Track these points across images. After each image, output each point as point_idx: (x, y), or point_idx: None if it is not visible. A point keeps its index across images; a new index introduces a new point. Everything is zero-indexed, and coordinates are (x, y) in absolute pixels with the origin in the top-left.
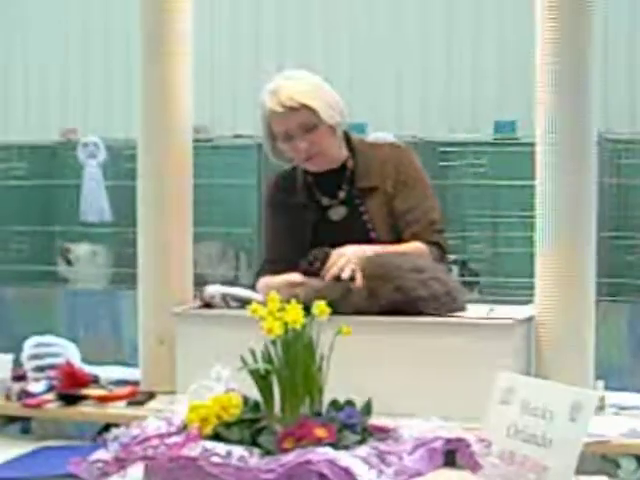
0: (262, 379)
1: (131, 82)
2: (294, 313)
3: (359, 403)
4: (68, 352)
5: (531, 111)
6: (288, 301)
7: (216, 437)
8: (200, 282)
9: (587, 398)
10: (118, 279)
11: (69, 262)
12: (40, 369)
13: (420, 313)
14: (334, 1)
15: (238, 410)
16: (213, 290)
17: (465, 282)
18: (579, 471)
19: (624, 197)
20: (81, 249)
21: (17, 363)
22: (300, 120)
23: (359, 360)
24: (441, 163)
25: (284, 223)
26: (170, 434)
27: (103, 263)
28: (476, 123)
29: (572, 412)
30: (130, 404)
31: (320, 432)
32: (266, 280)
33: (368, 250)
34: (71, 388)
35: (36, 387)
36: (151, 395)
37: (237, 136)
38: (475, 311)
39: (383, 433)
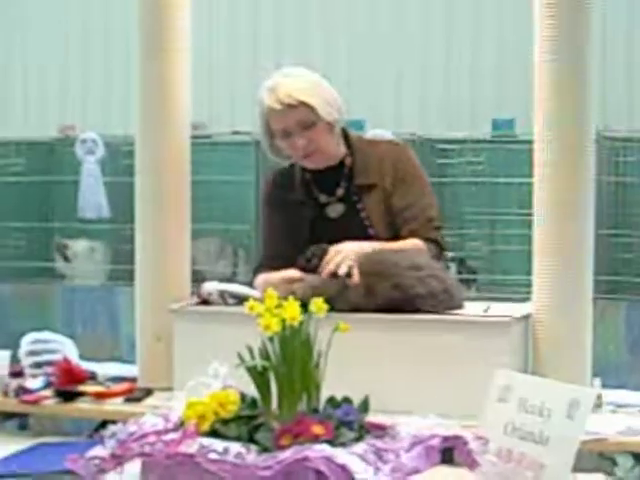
0: (259, 376)
1: (129, 79)
2: (291, 310)
3: (356, 400)
4: (65, 348)
5: (529, 109)
6: (285, 298)
7: (213, 434)
8: (198, 279)
9: (584, 396)
10: (116, 275)
11: (67, 258)
12: (37, 365)
13: (418, 310)
14: None
15: (235, 407)
16: (211, 287)
17: (463, 279)
18: (576, 469)
19: (622, 195)
20: (79, 245)
21: (14, 359)
22: (298, 117)
23: (356, 357)
24: (439, 160)
25: (282, 220)
26: (167, 431)
27: (101, 259)
28: (474, 121)
29: (569, 410)
30: (127, 401)
31: (317, 429)
32: (264, 277)
33: (366, 247)
34: (68, 384)
35: (33, 383)
36: (148, 392)
37: (235, 133)
38: (473, 309)
39: (380, 430)
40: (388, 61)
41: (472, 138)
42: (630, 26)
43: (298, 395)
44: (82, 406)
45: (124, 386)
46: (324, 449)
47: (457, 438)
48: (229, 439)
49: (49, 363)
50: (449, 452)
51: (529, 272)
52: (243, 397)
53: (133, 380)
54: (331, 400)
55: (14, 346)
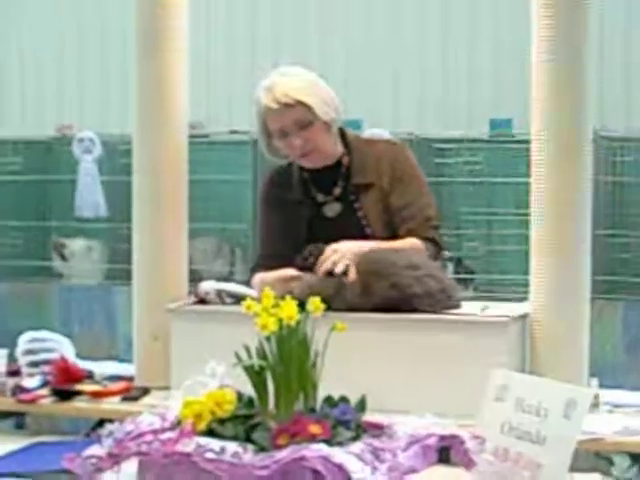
0: (256, 375)
1: (127, 78)
2: (288, 309)
3: (353, 400)
4: (62, 347)
5: (527, 108)
6: (283, 297)
7: (210, 433)
8: (195, 278)
9: (581, 396)
10: (113, 274)
11: (64, 257)
12: (34, 364)
13: (415, 310)
14: None
15: (232, 406)
16: (208, 286)
17: (460, 279)
18: (573, 468)
19: (619, 195)
20: (76, 244)
21: (11, 358)
22: (295, 117)
23: (354, 357)
24: (437, 160)
25: (279, 219)
26: (164, 430)
27: (98, 258)
28: (472, 120)
29: (566, 409)
30: (124, 400)
31: (314, 428)
32: (261, 276)
33: (363, 246)
34: (65, 383)
35: (30, 382)
36: (145, 391)
37: (233, 132)
38: (470, 308)
39: (377, 430)
40: (385, 61)
41: (469, 138)
42: (627, 26)
43: (295, 394)
44: (79, 405)
45: (121, 385)
46: (321, 448)
47: (454, 437)
48: (226, 438)
49: (46, 362)
50: (446, 451)
51: (526, 272)
52: (240, 396)
53: (130, 379)
54: (328, 399)
55: (11, 345)
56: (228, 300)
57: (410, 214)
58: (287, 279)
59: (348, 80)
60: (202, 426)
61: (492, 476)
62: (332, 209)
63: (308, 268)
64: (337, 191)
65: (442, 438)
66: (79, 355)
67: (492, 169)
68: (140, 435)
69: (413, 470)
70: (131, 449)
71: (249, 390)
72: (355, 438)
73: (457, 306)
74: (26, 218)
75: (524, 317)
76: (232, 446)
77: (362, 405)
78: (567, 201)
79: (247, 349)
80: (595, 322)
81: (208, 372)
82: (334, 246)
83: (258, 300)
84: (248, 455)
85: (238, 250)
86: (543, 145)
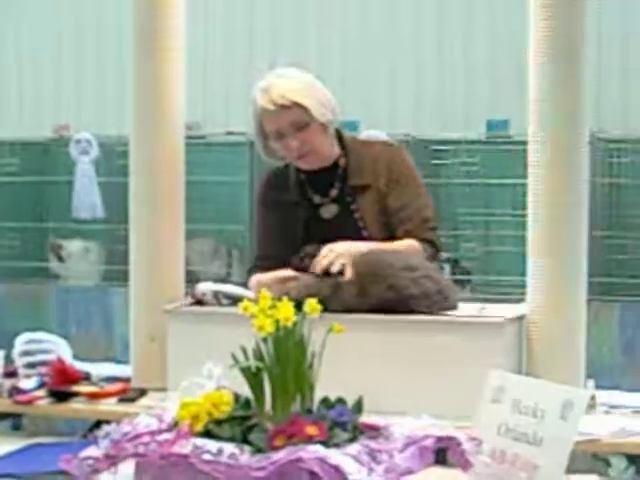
0: (253, 376)
1: (124, 78)
2: (285, 310)
3: (350, 401)
4: (59, 349)
5: (523, 110)
6: (279, 298)
7: (207, 434)
8: (192, 279)
9: (578, 397)
10: (110, 276)
11: (61, 258)
12: (31, 366)
13: (412, 311)
14: None
15: (229, 407)
16: (205, 287)
17: (457, 280)
18: (570, 470)
19: (616, 196)
20: (73, 245)
21: (8, 359)
22: (292, 118)
23: (350, 358)
24: (434, 161)
25: (276, 221)
26: (161, 431)
27: (95, 260)
28: (469, 121)
29: (563, 411)
30: (121, 401)
31: (311, 430)
32: (258, 277)
33: (360, 246)
34: (62, 385)
35: (27, 384)
36: (142, 392)
37: (229, 133)
38: (467, 309)
39: (374, 431)
40: (382, 62)
41: (466, 139)
42: (625, 28)
43: (292, 396)
44: (76, 406)
45: (118, 386)
46: (318, 450)
47: (451, 439)
48: (223, 440)
49: (43, 363)
50: (443, 453)
51: (523, 273)
52: (237, 398)
53: (127, 380)
54: (325, 401)
55: (8, 346)
56: (225, 301)
57: (407, 215)
58: (284, 280)
59: (345, 81)
60: (199, 427)
61: (489, 477)
62: (329, 211)
63: (305, 269)
64: (334, 193)
65: (439, 439)
66: (76, 356)
67: (489, 170)
68: (137, 436)
69: (410, 471)
70: (128, 450)
71: (246, 391)
72: (352, 439)
73: (454, 307)
74: (23, 219)
75: (521, 318)
76: (229, 447)
77: (359, 406)
78: (564, 202)
79: (244, 350)
80: (592, 323)
81: (205, 373)
82: (330, 246)
83: (255, 301)
84: (245, 456)
85: (235, 251)
86: (540, 146)
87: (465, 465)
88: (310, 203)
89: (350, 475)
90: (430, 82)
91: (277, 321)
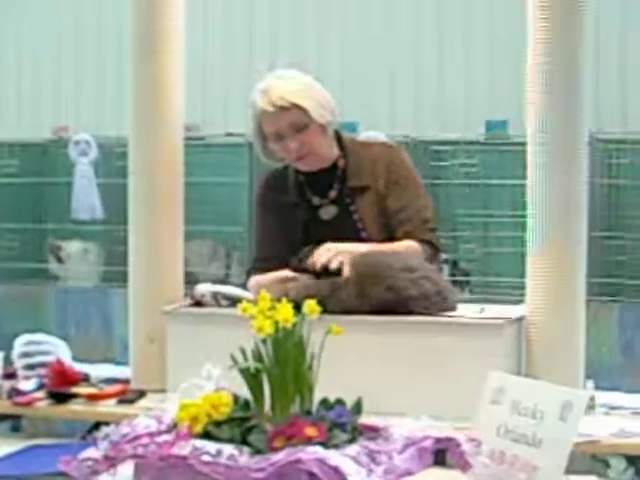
0: (252, 378)
1: (123, 80)
2: (284, 312)
3: (349, 402)
4: (59, 350)
5: (522, 111)
6: (279, 299)
7: (206, 436)
8: (191, 280)
9: (577, 398)
10: (109, 277)
11: (60, 260)
12: (30, 367)
13: (411, 312)
14: (327, 0)
15: (228, 409)
16: (204, 288)
17: (456, 282)
18: (569, 471)
19: (615, 197)
20: (72, 247)
21: (7, 361)
22: (291, 120)
23: (349, 359)
24: (433, 162)
25: (275, 222)
26: (160, 432)
27: (94, 261)
28: (468, 122)
29: (562, 412)
30: (120, 402)
31: (310, 431)
32: (257, 278)
33: (360, 247)
34: (61, 386)
35: (26, 385)
36: (141, 393)
37: (228, 134)
38: (466, 311)
39: (373, 432)
40: (381, 63)
41: (465, 140)
42: (623, 29)
43: (291, 397)
44: (75, 408)
45: (117, 388)
46: (317, 451)
47: (450, 440)
48: (222, 441)
49: (42, 365)
50: (442, 454)
51: (522, 274)
52: (236, 399)
53: (126, 382)
54: (324, 402)
55: (7, 348)
56: (224, 302)
57: (407, 217)
58: (283, 281)
59: (344, 83)
60: (198, 429)
61: (488, 479)
62: (328, 212)
63: (304, 270)
64: (333, 194)
65: (438, 441)
66: (75, 358)
67: (488, 171)
68: (136, 438)
69: (409, 472)
70: (127, 452)
71: (245, 393)
72: (351, 441)
73: (453, 308)
74: (22, 220)
75: (520, 319)
76: (228, 449)
77: (358, 407)
78: (563, 203)
79: (243, 351)
80: (591, 324)
81: (204, 375)
82: (328, 245)
83: (254, 302)
84: (244, 458)
85: (234, 252)
86: (539, 147)
87: (464, 466)
88: (309, 204)
89: (349, 476)
90: (429, 83)
91: (276, 322)
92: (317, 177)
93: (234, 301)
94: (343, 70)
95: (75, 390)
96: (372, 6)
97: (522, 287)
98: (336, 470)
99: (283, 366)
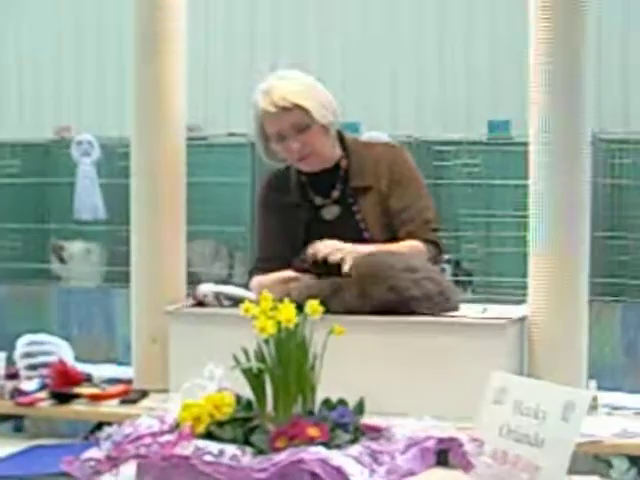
0: (255, 378)
1: (125, 80)
2: (287, 312)
3: (352, 402)
4: (61, 350)
5: (525, 111)
6: (281, 299)
7: (209, 436)
8: (193, 281)
9: (580, 398)
10: (111, 277)
11: (62, 260)
12: (33, 367)
13: (413, 313)
14: (329, 0)
15: (231, 409)
16: (206, 289)
17: (458, 282)
18: (571, 471)
19: (618, 197)
20: (75, 247)
21: (10, 361)
22: (293, 120)
23: (352, 359)
24: (435, 162)
25: (277, 222)
26: (163, 433)
27: (97, 261)
28: (470, 123)
29: (565, 412)
30: (123, 402)
31: (312, 431)
32: (259, 278)
33: (361, 249)
34: (64, 386)
35: (29, 385)
36: (144, 394)
37: (231, 134)
38: (468, 311)
39: (375, 432)
40: (383, 63)
41: (468, 140)
42: (625, 29)
43: (293, 397)
44: (77, 408)
45: (119, 388)
46: (319, 451)
47: (452, 440)
48: (224, 441)
49: (44, 365)
50: (444, 454)
51: (525, 274)
52: (238, 399)
53: (128, 382)
54: (326, 402)
55: (9, 348)
56: (226, 303)
57: (409, 217)
58: (285, 281)
59: (346, 83)
60: (201, 429)
61: (490, 479)
62: (330, 212)
63: (306, 271)
64: (335, 194)
65: (440, 441)
66: (78, 358)
67: (490, 171)
68: (139, 438)
69: (411, 473)
70: (130, 452)
71: (247, 393)
72: (353, 441)
73: (455, 309)
74: (25, 221)
75: (522, 319)
76: (230, 449)
77: (360, 408)
78: (565, 203)
79: (245, 352)
80: (593, 324)
81: (206, 375)
82: (331, 241)
83: (256, 303)
84: (246, 458)
85: (236, 253)
86: (541, 147)
87: (467, 466)
88: (311, 205)
89: (352, 476)
90: (431, 83)
91: (279, 322)
92: (319, 177)
93: (236, 301)
94: (345, 70)
95: (77, 390)
96: (374, 6)
97: (524, 287)
98: (338, 470)
99: (285, 366)
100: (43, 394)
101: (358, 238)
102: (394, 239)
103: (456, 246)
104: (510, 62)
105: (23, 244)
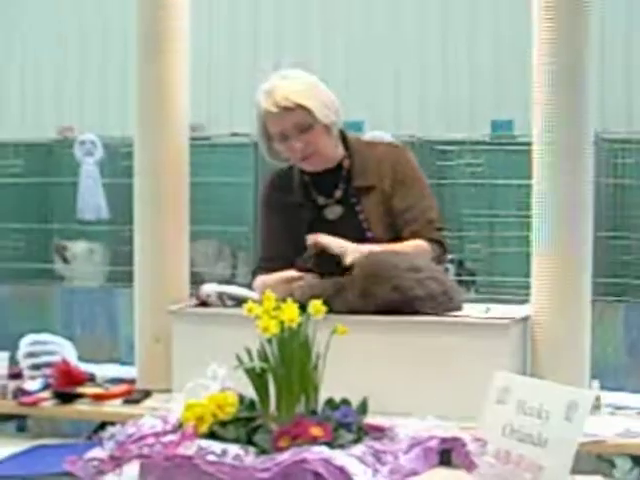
0: (258, 378)
1: (128, 79)
2: (290, 312)
3: (355, 402)
4: (64, 350)
5: (528, 111)
6: (284, 299)
7: (212, 436)
8: (197, 280)
9: (583, 398)
10: (114, 277)
11: (66, 260)
12: (36, 367)
13: (416, 312)
14: (332, 0)
15: (234, 409)
16: (209, 288)
17: (461, 281)
18: (574, 471)
19: (621, 197)
20: (78, 247)
21: (13, 361)
22: (295, 120)
23: (355, 359)
24: (438, 162)
25: (280, 222)
26: (166, 432)
27: (100, 261)
28: (473, 122)
29: (568, 412)
30: (126, 402)
31: (316, 431)
32: (262, 278)
33: (364, 249)
34: (67, 386)
35: (32, 385)
36: (147, 393)
37: (234, 134)
38: (471, 310)
39: (379, 432)
40: (386, 63)
41: (471, 140)
42: (629, 29)
43: (296, 397)
44: (81, 408)
45: (123, 388)
46: (322, 451)
47: (455, 440)
48: (227, 441)
49: (48, 365)
50: (447, 454)
51: (528, 274)
52: (241, 399)
53: (132, 382)
54: (329, 402)
55: (13, 348)
56: (229, 302)
57: (412, 216)
58: (288, 280)
59: (350, 82)
60: (204, 429)
61: (493, 478)
62: (333, 212)
63: (309, 270)
64: (338, 194)
65: (443, 440)
66: (81, 358)
67: (494, 171)
68: (142, 438)
69: (414, 472)
70: (133, 452)
71: (250, 392)
72: (356, 441)
73: (459, 308)
74: (28, 221)
75: (525, 319)
76: (233, 449)
77: (363, 407)
78: (568, 203)
79: (248, 351)
80: (596, 324)
81: (209, 374)
82: (330, 238)
83: (259, 302)
84: (249, 458)
85: (239, 252)
86: (544, 147)
87: (470, 466)
88: (314, 204)
89: (355, 476)
90: (435, 83)
91: (282, 322)
92: (322, 177)
93: (239, 301)
94: (348, 70)
95: (81, 390)
96: (377, 6)
97: (528, 287)
98: (342, 470)
99: (288, 366)
100: (46, 394)
101: (361, 238)
102: (397, 239)
103: (459, 246)
104: (513, 62)
105: (26, 244)
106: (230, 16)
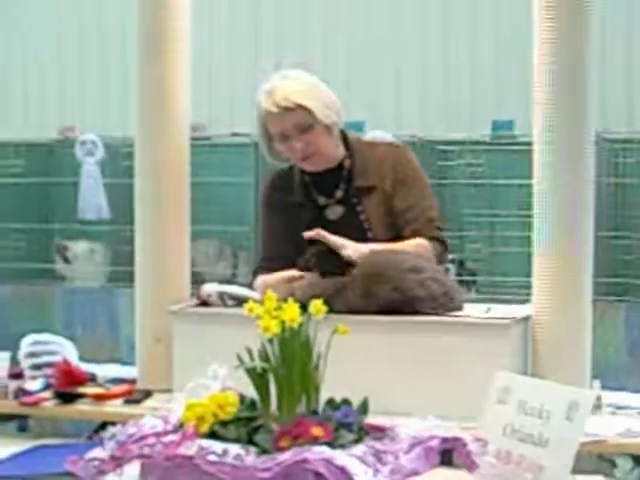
0: (259, 377)
1: (129, 79)
2: (291, 312)
3: (356, 402)
4: (65, 350)
5: (529, 110)
6: (285, 299)
7: (212, 435)
8: (197, 280)
9: (584, 398)
10: (116, 277)
11: (67, 260)
12: (37, 367)
13: (417, 312)
14: (333, 0)
15: (235, 408)
16: (210, 288)
17: (462, 281)
18: (575, 470)
19: (621, 197)
20: (79, 247)
21: (14, 361)
22: (296, 120)
23: (356, 359)
24: (439, 162)
25: (281, 222)
26: (166, 432)
27: (101, 261)
28: (474, 122)
29: (569, 411)
30: (127, 402)
31: (316, 431)
32: (263, 278)
33: (365, 249)
34: (68, 386)
35: (33, 385)
36: (148, 393)
37: (235, 134)
38: (472, 310)
39: (379, 432)
40: (387, 63)
41: (472, 140)
42: (629, 28)
43: (297, 397)
44: (82, 408)
45: (123, 388)
46: (323, 451)
47: (456, 440)
48: (228, 441)
49: (49, 365)
50: (448, 454)
51: (528, 274)
52: (242, 399)
53: (132, 382)
54: (330, 402)
55: (14, 348)
56: (230, 302)
57: (413, 216)
58: (289, 280)
59: (350, 82)
60: (204, 429)
61: (494, 478)
62: (334, 212)
63: (310, 270)
64: (339, 194)
65: (444, 440)
66: (82, 358)
67: (494, 171)
68: (142, 438)
69: (415, 472)
70: (133, 452)
71: (251, 392)
72: (357, 440)
73: (460, 308)
74: (29, 220)
75: (526, 319)
76: (234, 448)
77: (364, 407)
78: (569, 203)
79: (249, 351)
80: (597, 324)
81: (210, 374)
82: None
83: (260, 302)
84: (250, 457)
85: (240, 252)
86: (545, 147)
87: (471, 466)
88: (315, 204)
89: (356, 476)
90: (435, 83)
91: (283, 322)
92: (323, 177)
93: (240, 301)
94: (349, 70)
95: (82, 390)
96: (378, 6)
97: (528, 287)
98: (342, 470)
99: (289, 366)
100: (47, 394)
101: (362, 238)
102: (398, 239)
103: (460, 246)
104: (514, 62)
105: (27, 244)
106: (231, 16)
